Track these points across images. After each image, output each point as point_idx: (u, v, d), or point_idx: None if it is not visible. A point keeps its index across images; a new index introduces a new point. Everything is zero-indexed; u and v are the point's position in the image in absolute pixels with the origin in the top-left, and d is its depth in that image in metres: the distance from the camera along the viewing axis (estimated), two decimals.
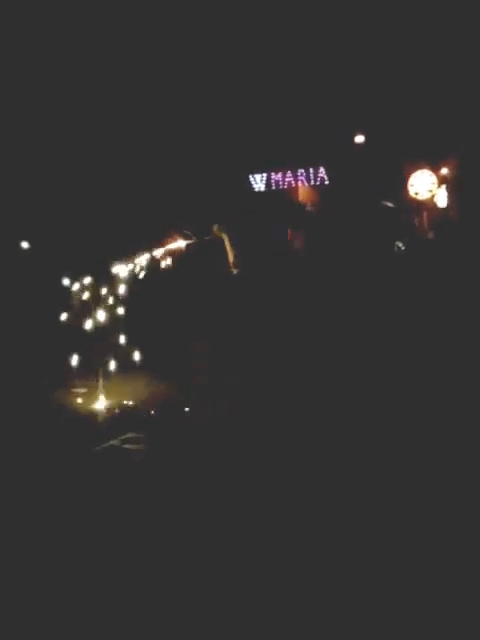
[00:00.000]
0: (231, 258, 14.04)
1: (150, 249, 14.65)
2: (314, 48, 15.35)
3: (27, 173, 15.69)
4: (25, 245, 16.42)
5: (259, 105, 16.16)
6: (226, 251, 14.12)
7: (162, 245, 15.38)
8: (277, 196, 17.44)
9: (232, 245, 13.95)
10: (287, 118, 16.15)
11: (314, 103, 15.70)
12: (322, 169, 17.27)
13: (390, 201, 15.67)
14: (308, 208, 17.39)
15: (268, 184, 17.74)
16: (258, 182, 17.71)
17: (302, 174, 17.54)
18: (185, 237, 14.59)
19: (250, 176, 17.68)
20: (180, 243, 15.05)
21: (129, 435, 6.63)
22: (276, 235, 15.65)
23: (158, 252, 15.32)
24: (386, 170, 15.36)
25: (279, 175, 17.65)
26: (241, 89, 15.96)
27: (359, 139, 16.20)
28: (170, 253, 15.36)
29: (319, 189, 17.57)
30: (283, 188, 17.63)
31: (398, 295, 12.73)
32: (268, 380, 9.43)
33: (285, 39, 15.40)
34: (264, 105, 16.15)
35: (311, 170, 17.38)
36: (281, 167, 17.47)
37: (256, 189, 17.73)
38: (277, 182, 17.74)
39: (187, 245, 15.01)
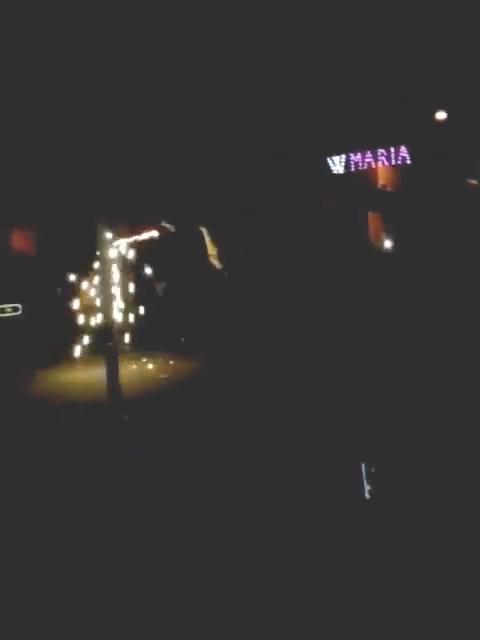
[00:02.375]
0: (211, 251, 13.98)
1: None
2: (393, 25, 14.91)
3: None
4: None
5: (337, 84, 15.86)
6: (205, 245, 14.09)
7: None
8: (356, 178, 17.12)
9: (213, 240, 13.91)
10: (366, 96, 15.78)
11: (394, 80, 15.26)
12: (403, 148, 16.75)
13: (475, 178, 15.11)
14: (388, 189, 17.02)
15: (347, 166, 17.38)
16: (337, 164, 17.39)
17: (382, 154, 17.09)
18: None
19: (328, 158, 17.36)
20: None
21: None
22: (355, 219, 15.37)
23: None
24: (470, 146, 14.79)
25: (358, 156, 17.27)
26: (318, 70, 15.70)
27: (440, 115, 15.63)
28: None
29: (400, 169, 17.10)
30: (362, 169, 17.25)
31: None
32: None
33: (363, 17, 15.02)
34: (342, 84, 15.84)
35: (392, 149, 16.88)
36: (360, 148, 17.07)
37: (335, 171, 17.42)
38: (357, 163, 17.38)
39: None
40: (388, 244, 14.76)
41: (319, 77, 15.77)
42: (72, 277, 13.37)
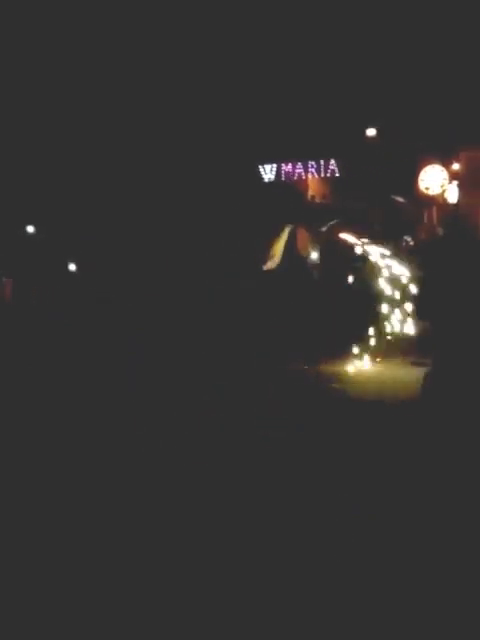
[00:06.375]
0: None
1: None
2: (328, 40, 15.25)
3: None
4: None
5: (271, 96, 16.08)
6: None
7: None
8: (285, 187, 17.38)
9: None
10: (299, 110, 16.06)
11: (326, 95, 15.60)
12: (333, 161, 17.16)
13: (400, 195, 15.63)
14: (317, 200, 17.37)
15: (278, 175, 17.64)
16: (268, 173, 17.61)
17: (313, 166, 17.43)
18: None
19: (260, 166, 17.57)
20: None
21: None
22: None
23: None
24: (397, 164, 15.28)
25: (289, 166, 17.54)
26: (253, 80, 15.89)
27: (371, 132, 16.09)
28: None
29: (329, 181, 17.49)
30: (293, 180, 17.53)
31: (405, 291, 12.60)
32: None
33: (299, 31, 15.32)
34: (276, 96, 16.07)
35: (322, 162, 17.26)
36: (292, 158, 17.36)
37: (266, 180, 17.64)
38: (287, 173, 17.64)
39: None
40: (314, 256, 15.04)
41: (255, 88, 15.97)
42: None
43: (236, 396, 7.33)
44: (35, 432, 6.51)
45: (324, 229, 15.19)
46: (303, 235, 16.27)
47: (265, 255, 15.92)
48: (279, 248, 15.91)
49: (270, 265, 15.77)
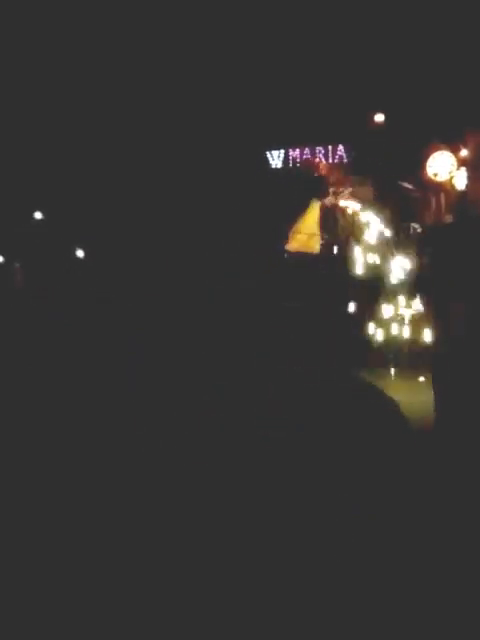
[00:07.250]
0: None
1: None
2: (335, 25, 15.12)
3: None
4: None
5: (277, 82, 16.00)
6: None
7: None
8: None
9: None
10: (306, 95, 15.98)
11: (334, 80, 15.49)
12: (341, 147, 17.14)
13: (408, 182, 15.47)
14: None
15: (285, 161, 17.64)
16: (275, 159, 17.62)
17: (321, 151, 17.42)
18: None
19: (267, 153, 17.57)
20: None
21: None
22: None
23: None
24: (405, 150, 15.13)
25: (297, 152, 17.55)
26: (260, 66, 15.81)
27: (379, 118, 15.92)
28: None
29: (338, 167, 17.41)
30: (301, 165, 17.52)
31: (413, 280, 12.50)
32: None
33: (304, 15, 15.18)
34: (282, 82, 15.99)
35: (330, 147, 17.24)
36: (299, 144, 17.36)
37: (273, 166, 17.65)
38: (295, 159, 17.64)
39: None
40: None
41: (261, 73, 15.89)
42: None
43: (236, 396, 7.34)
44: (35, 431, 6.56)
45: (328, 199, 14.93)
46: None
47: (288, 234, 15.66)
48: (311, 223, 15.65)
49: (297, 245, 15.49)
